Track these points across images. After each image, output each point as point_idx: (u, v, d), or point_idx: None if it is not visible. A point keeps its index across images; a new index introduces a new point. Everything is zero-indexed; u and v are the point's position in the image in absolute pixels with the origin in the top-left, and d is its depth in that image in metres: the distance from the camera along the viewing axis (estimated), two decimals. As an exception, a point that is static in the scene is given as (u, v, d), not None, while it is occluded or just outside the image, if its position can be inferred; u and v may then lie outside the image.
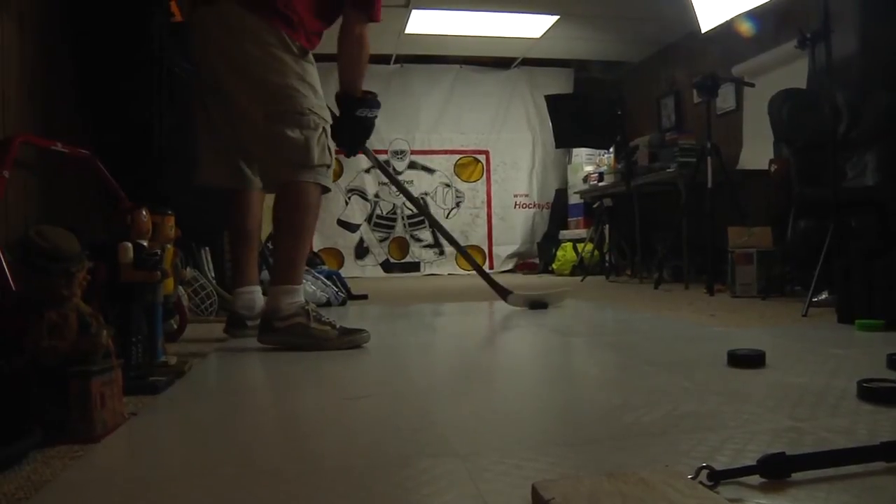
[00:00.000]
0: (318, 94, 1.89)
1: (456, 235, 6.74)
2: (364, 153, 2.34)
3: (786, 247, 3.23)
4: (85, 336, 1.04)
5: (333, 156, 1.95)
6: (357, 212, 6.59)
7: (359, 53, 1.94)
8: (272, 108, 1.81)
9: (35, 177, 2.06)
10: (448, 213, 6.74)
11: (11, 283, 1.51)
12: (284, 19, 1.81)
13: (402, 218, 6.69)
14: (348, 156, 2.33)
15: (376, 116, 2.11)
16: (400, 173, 6.59)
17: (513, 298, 2.84)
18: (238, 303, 2.08)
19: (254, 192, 2.10)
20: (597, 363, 1.70)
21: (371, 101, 2.07)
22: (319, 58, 1.96)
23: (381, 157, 6.51)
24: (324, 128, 1.88)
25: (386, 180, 6.62)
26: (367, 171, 6.53)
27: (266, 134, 1.83)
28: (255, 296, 2.10)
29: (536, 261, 6.73)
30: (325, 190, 1.94)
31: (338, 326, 1.86)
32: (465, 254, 3.04)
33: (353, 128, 2.07)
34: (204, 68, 1.93)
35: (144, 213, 1.48)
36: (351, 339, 1.84)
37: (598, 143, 5.43)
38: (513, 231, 6.84)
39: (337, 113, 2.07)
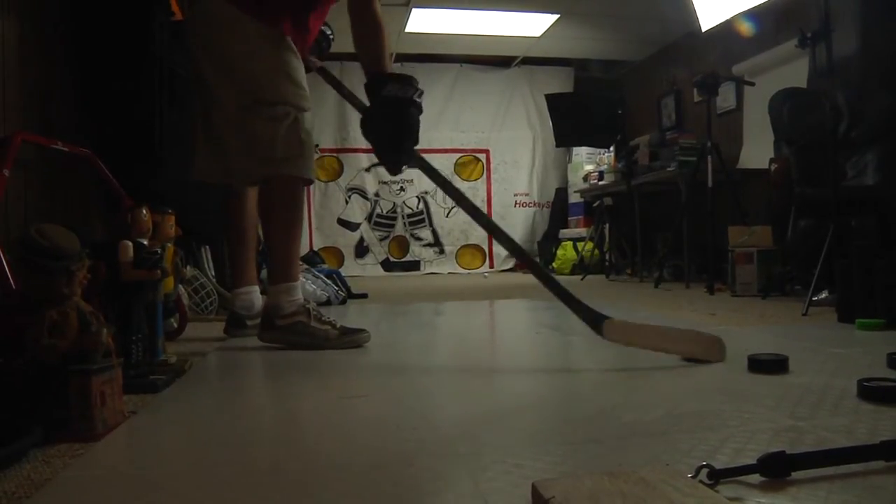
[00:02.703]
0: (296, 82, 1.84)
1: (456, 235, 6.78)
2: (417, 163, 1.77)
3: (786, 246, 3.23)
4: (85, 334, 1.04)
5: (307, 145, 1.85)
6: (357, 210, 6.60)
7: (374, 30, 1.80)
8: (243, 98, 1.80)
9: (35, 175, 2.06)
10: (448, 213, 6.74)
11: (12, 281, 1.51)
12: (260, 7, 1.79)
13: (403, 217, 6.69)
14: (392, 173, 1.84)
15: (412, 99, 1.68)
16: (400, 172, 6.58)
17: (611, 330, 1.62)
18: (237, 303, 2.08)
19: (248, 191, 2.10)
20: (597, 362, 1.70)
21: (403, 78, 1.71)
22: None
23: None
24: (296, 116, 1.82)
25: (387, 179, 6.63)
26: (368, 170, 6.53)
27: (236, 124, 1.82)
28: (254, 296, 2.10)
29: (537, 260, 6.73)
30: (308, 181, 1.90)
31: (338, 326, 1.85)
32: (546, 276, 1.76)
33: (381, 118, 1.71)
34: (195, 64, 1.93)
35: (145, 211, 1.48)
36: (352, 339, 1.83)
37: (598, 142, 5.43)
38: (513, 230, 6.83)
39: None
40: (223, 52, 1.81)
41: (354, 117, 1.95)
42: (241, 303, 2.08)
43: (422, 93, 1.73)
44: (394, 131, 1.72)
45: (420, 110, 1.75)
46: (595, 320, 1.65)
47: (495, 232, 1.83)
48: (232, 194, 2.07)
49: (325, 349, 1.79)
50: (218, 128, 1.89)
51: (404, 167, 1.83)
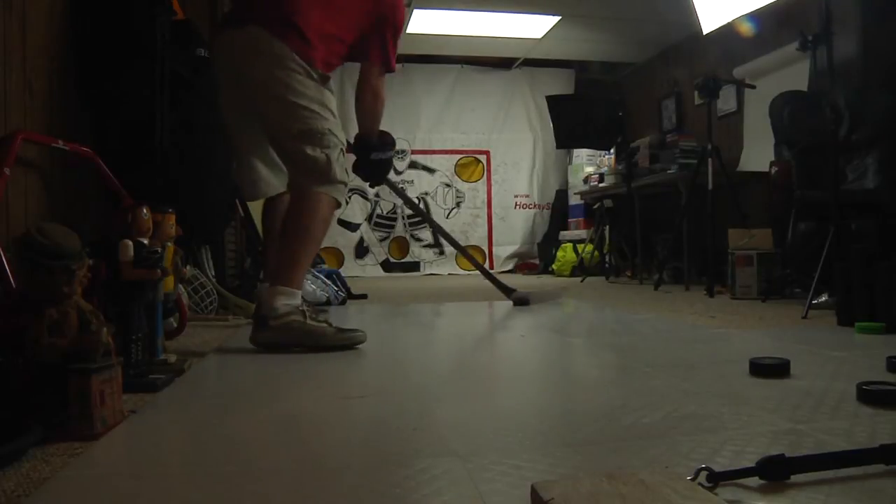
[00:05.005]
0: (336, 118, 2.00)
1: (456, 236, 6.73)
2: (390, 187, 2.74)
3: (786, 249, 3.23)
4: (85, 334, 1.05)
5: (347, 174, 2.02)
6: (357, 211, 6.60)
7: (374, 104, 2.10)
8: (297, 127, 1.90)
9: (36, 174, 2.06)
10: (448, 214, 6.74)
11: (12, 280, 1.51)
12: (306, 48, 1.88)
13: (403, 217, 6.69)
14: (372, 187, 2.69)
15: (391, 157, 2.36)
16: (400, 173, 6.60)
17: (517, 297, 3.00)
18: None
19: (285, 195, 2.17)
20: (597, 364, 1.70)
21: (384, 143, 2.26)
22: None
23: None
24: (341, 148, 1.97)
25: (387, 180, 6.64)
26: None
27: (291, 151, 1.94)
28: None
29: (537, 261, 6.74)
30: (338, 205, 2.01)
31: (333, 325, 1.86)
32: (469, 256, 3.28)
33: (371, 168, 2.30)
34: (234, 89, 1.99)
35: (145, 211, 1.48)
36: (348, 337, 1.84)
37: (598, 144, 5.44)
38: (513, 231, 6.85)
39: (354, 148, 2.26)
40: (277, 85, 1.88)
41: (355, 120, 2.17)
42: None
43: (395, 144, 2.36)
44: (378, 174, 2.40)
45: (393, 157, 2.43)
46: (507, 291, 3.06)
47: (439, 230, 3.27)
48: (274, 198, 2.16)
49: (321, 347, 1.78)
50: (274, 149, 2.04)
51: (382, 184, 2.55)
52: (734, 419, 1.04)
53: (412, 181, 6.63)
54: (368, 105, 2.11)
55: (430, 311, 3.05)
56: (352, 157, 2.22)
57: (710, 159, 3.70)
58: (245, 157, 2.09)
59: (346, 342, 1.82)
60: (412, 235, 6.71)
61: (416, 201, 6.70)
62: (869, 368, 1.43)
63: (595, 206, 5.67)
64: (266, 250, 2.25)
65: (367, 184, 2.59)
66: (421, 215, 2.94)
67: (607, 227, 5.35)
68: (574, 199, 6.50)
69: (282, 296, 1.83)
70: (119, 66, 2.31)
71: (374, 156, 2.26)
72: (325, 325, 1.84)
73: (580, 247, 5.89)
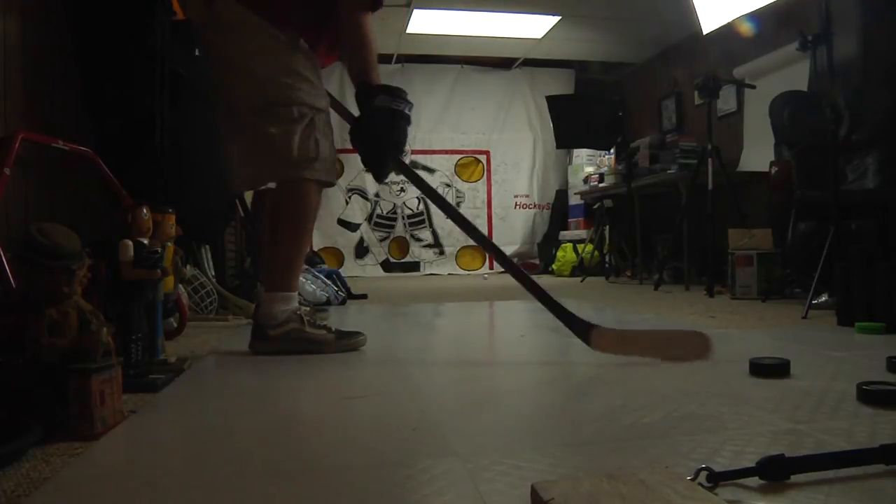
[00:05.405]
0: (312, 83, 1.77)
1: (456, 236, 6.78)
2: (402, 171, 1.81)
3: (786, 249, 3.23)
4: (85, 334, 1.05)
5: (325, 148, 1.78)
6: (357, 211, 6.60)
7: (359, 41, 1.76)
8: (254, 100, 1.73)
9: (36, 174, 2.06)
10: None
11: (12, 280, 1.51)
12: (272, 9, 1.73)
13: (403, 217, 6.69)
14: (379, 180, 1.87)
15: (405, 112, 1.72)
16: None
17: (600, 339, 1.62)
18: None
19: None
20: (596, 364, 1.70)
21: (394, 90, 1.74)
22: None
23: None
24: (312, 118, 1.75)
25: (387, 180, 6.62)
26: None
27: (247, 127, 1.75)
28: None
29: (537, 261, 6.74)
30: (328, 184, 1.85)
31: (333, 329, 1.83)
32: (531, 283, 1.74)
33: (372, 127, 1.72)
34: (216, 73, 1.86)
35: (145, 211, 1.48)
36: (349, 343, 1.81)
37: (598, 144, 5.44)
38: (513, 231, 6.84)
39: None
40: (233, 53, 1.75)
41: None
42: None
43: (412, 106, 1.74)
44: (382, 141, 1.73)
45: (409, 122, 1.75)
46: (582, 330, 1.65)
47: (483, 241, 1.90)
48: (261, 192, 2.03)
49: (322, 353, 1.77)
50: (231, 129, 1.81)
51: (390, 175, 1.84)
52: (734, 419, 1.04)
53: (412, 181, 6.62)
54: (353, 44, 1.75)
55: (430, 312, 3.05)
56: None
57: (710, 159, 3.70)
58: (226, 145, 1.89)
59: (347, 349, 1.80)
60: (412, 235, 6.71)
61: (418, 201, 6.71)
62: (869, 368, 1.43)
63: (595, 206, 5.67)
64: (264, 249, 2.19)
65: (375, 176, 1.83)
66: (459, 220, 1.82)
67: (607, 227, 5.36)
68: (574, 199, 6.50)
69: (278, 302, 1.79)
70: (119, 66, 2.31)
71: (379, 101, 1.68)
72: (324, 331, 1.81)
73: (580, 247, 5.89)
